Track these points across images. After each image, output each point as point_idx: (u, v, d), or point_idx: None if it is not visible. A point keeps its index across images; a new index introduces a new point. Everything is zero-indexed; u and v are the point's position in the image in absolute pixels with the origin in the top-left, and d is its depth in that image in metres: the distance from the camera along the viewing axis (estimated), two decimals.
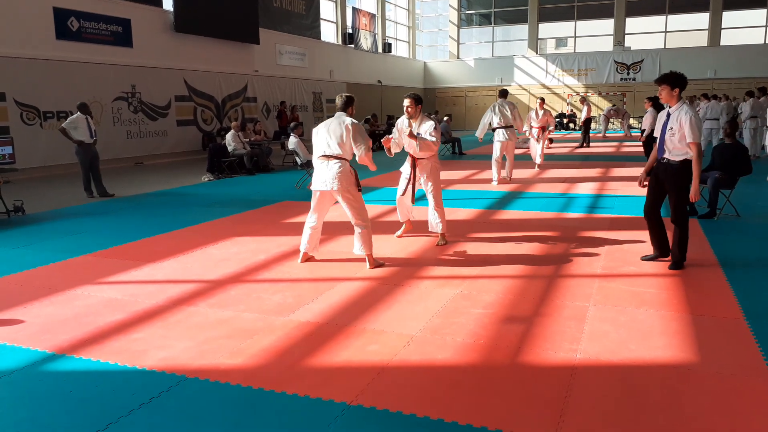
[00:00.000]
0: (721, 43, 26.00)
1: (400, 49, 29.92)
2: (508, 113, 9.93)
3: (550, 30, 29.88)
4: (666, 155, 4.64)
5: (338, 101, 4.99)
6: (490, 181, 10.22)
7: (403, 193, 5.88)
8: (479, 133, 10.23)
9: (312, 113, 21.57)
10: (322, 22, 22.54)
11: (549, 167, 12.41)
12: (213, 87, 16.93)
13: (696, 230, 6.11)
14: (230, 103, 17.67)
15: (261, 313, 3.98)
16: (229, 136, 12.34)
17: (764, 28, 25.45)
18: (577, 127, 26.47)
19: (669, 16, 26.99)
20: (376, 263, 5.04)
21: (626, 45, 27.67)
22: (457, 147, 16.27)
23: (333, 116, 4.97)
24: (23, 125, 11.82)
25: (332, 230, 6.23)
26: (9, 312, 4.05)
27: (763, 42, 25.43)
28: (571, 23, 28.91)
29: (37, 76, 12.03)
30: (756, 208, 7.38)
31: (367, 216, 5.06)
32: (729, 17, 25.90)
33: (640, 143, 12.90)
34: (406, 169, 5.85)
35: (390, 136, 5.66)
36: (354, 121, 4.91)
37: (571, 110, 28.35)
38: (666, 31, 27.22)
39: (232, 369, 3.14)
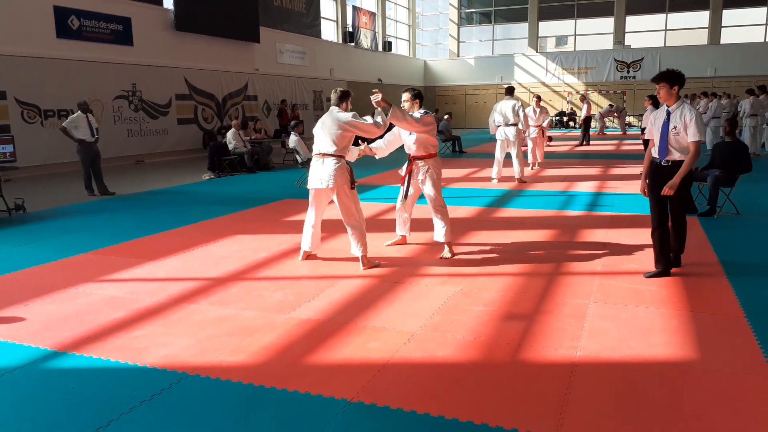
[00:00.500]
0: (722, 42, 25.98)
1: (400, 48, 29.92)
2: (508, 112, 9.73)
3: (550, 28, 29.87)
4: (673, 156, 4.47)
5: (332, 96, 4.92)
6: (490, 179, 10.21)
7: (402, 200, 5.48)
8: (491, 131, 10.18)
9: (312, 111, 21.58)
10: (322, 20, 22.54)
11: (549, 165, 12.41)
12: (213, 85, 16.93)
13: (696, 228, 6.11)
14: (231, 101, 17.67)
15: (262, 310, 3.99)
16: (229, 134, 12.35)
17: (764, 26, 25.43)
18: (577, 126, 26.48)
19: (669, 15, 26.98)
20: (371, 264, 4.96)
21: (626, 43, 27.66)
22: (457, 145, 16.27)
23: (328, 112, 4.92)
24: (24, 124, 11.82)
25: (333, 228, 6.23)
26: (10, 309, 4.06)
27: (763, 40, 25.42)
28: (572, 21, 28.90)
29: (37, 75, 12.03)
30: (756, 206, 7.39)
31: (361, 215, 4.95)
32: (729, 15, 25.88)
33: (640, 141, 12.90)
34: (403, 172, 5.49)
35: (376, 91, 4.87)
36: (348, 116, 4.78)
37: (571, 108, 28.35)
38: (666, 30, 27.20)
39: (233, 366, 3.14)
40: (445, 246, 5.29)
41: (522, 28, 29.73)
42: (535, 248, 5.58)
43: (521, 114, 9.74)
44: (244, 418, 2.64)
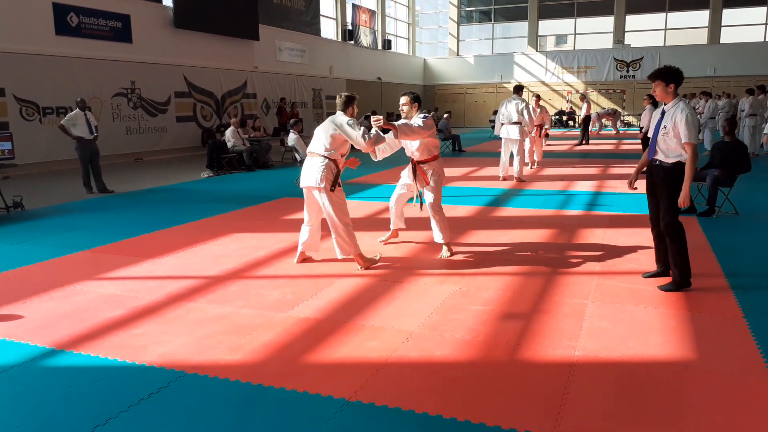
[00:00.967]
0: (721, 41, 25.98)
1: (399, 46, 29.89)
2: (510, 110, 9.71)
3: (549, 27, 29.84)
4: (658, 156, 4.22)
5: (338, 101, 4.90)
6: (489, 178, 10.23)
7: (397, 198, 5.53)
8: (495, 131, 10.18)
9: (311, 110, 21.56)
10: (321, 18, 22.51)
11: (548, 165, 12.41)
12: (213, 83, 16.91)
13: (695, 228, 6.12)
14: (230, 99, 17.65)
15: (260, 309, 3.99)
16: (228, 132, 12.34)
17: (764, 26, 25.43)
18: (577, 125, 26.48)
19: (669, 14, 26.97)
20: (369, 261, 4.94)
21: (626, 42, 27.65)
22: (456, 144, 16.26)
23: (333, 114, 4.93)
24: (23, 121, 11.80)
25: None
26: (8, 307, 4.06)
27: (763, 40, 25.42)
28: (571, 20, 28.88)
29: (36, 72, 12.01)
30: (755, 206, 7.39)
31: (342, 217, 4.79)
32: (729, 15, 25.87)
33: (638, 140, 12.90)
34: (405, 175, 5.46)
35: (378, 117, 4.88)
36: (344, 120, 4.76)
37: (571, 107, 28.35)
38: (666, 29, 27.19)
39: (232, 365, 3.14)
40: (444, 245, 5.29)
41: (522, 27, 29.71)
42: (533, 248, 5.58)
43: (525, 115, 9.64)
44: (242, 417, 2.64)
